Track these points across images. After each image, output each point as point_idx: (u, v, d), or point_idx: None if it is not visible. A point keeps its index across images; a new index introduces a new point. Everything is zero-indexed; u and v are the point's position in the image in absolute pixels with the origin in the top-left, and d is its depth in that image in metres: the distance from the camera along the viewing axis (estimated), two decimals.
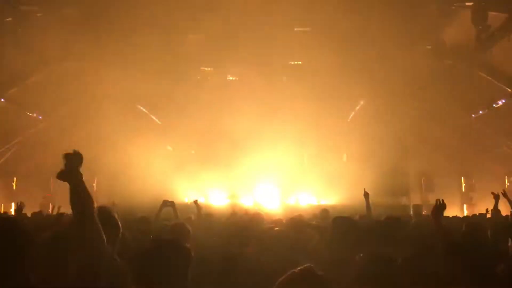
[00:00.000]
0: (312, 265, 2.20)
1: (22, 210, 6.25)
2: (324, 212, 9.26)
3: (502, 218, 7.53)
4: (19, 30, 13.35)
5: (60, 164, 2.62)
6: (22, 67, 15.25)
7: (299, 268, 2.18)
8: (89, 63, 16.41)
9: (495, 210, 7.23)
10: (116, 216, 3.29)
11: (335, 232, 4.49)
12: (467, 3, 12.85)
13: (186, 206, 15.33)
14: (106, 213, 3.08)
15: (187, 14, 14.39)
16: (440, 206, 4.33)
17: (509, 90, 14.51)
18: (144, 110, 17.57)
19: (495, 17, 12.60)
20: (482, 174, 20.03)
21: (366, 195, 7.48)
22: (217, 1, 13.99)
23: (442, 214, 4.34)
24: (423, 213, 15.31)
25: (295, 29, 15.38)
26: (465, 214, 17.46)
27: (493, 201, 7.30)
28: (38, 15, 13.62)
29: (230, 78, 18.42)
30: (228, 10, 14.08)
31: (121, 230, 3.18)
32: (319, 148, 20.31)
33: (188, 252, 2.53)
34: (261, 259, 3.89)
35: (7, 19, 13.30)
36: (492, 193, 7.02)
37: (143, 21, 14.79)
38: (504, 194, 7.33)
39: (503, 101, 14.61)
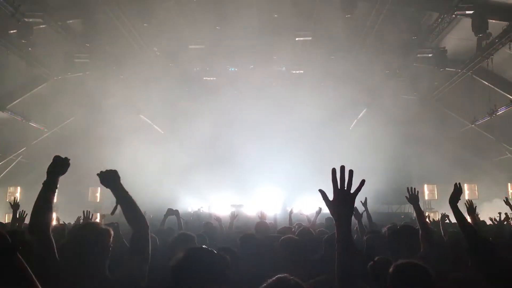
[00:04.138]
0: (287, 275, 2.12)
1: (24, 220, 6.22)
2: (329, 220, 9.24)
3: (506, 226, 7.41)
4: (23, 42, 13.44)
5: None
6: (27, 79, 15.33)
7: (272, 279, 2.10)
8: (92, 75, 16.53)
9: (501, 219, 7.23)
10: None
11: None
12: (467, 11, 12.86)
13: (188, 215, 15.38)
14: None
15: (189, 25, 14.52)
16: (458, 191, 3.91)
17: (510, 97, 14.52)
18: (146, 120, 17.61)
19: (495, 25, 12.65)
20: (485, 181, 19.97)
21: (364, 203, 6.81)
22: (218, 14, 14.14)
23: (459, 199, 3.86)
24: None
25: (296, 38, 15.45)
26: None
27: (494, 208, 7.22)
28: (42, 26, 13.70)
29: (233, 87, 18.47)
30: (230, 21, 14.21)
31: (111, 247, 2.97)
32: (322, 155, 20.28)
33: (225, 261, 2.53)
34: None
35: (11, 31, 13.40)
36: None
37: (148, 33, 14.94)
38: (506, 202, 7.23)
39: (504, 108, 14.60)
